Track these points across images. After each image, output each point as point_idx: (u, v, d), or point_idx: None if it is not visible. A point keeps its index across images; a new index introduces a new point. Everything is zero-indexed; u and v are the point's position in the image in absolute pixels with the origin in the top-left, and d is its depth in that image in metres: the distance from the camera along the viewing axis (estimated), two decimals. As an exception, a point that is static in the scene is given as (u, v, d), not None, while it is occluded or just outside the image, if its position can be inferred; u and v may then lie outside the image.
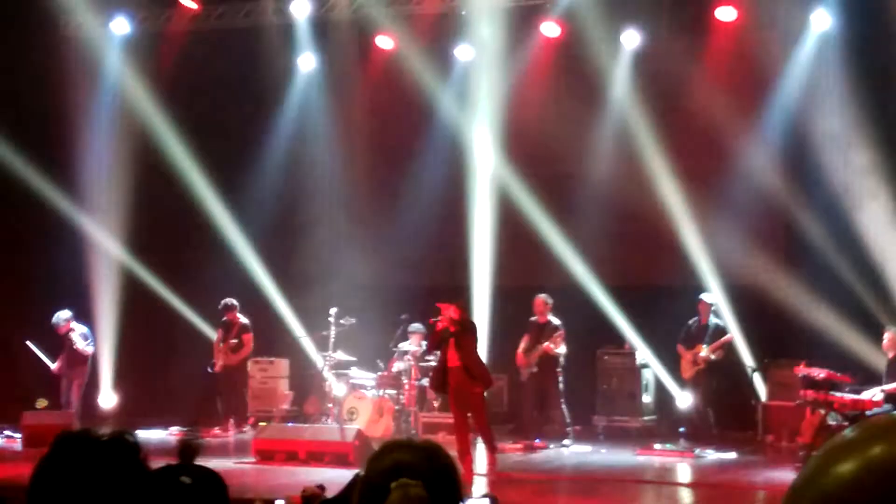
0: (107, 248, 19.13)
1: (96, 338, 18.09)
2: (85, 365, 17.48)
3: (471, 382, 13.76)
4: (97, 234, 19.10)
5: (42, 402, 17.12)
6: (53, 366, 17.34)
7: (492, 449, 13.93)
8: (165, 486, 2.84)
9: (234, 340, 18.12)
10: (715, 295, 16.94)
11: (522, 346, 16.92)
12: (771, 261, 17.22)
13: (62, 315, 17.29)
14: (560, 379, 16.80)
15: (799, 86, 17.33)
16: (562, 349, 16.70)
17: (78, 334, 17.36)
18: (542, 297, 16.90)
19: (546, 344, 16.54)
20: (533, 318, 16.96)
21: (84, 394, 17.50)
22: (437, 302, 14.40)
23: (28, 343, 17.31)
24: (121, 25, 19.51)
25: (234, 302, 18.10)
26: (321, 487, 6.22)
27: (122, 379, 18.83)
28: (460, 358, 13.79)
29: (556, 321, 16.75)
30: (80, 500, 2.47)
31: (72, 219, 18.76)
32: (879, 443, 1.34)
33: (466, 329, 14.01)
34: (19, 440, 16.08)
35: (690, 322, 16.68)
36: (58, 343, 17.37)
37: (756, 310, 17.02)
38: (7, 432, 16.80)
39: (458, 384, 13.78)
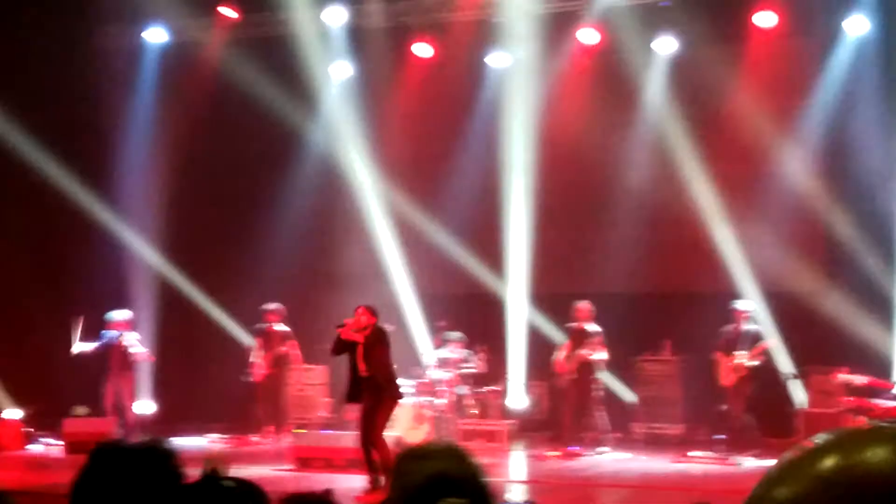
0: (144, 255, 19.22)
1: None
2: (134, 371, 17.34)
3: (378, 394, 13.29)
4: (135, 241, 19.18)
5: (82, 410, 17.13)
6: (82, 348, 17.07)
7: (380, 469, 13.00)
8: (207, 492, 2.83)
9: (284, 349, 18.13)
10: (753, 301, 16.83)
11: (562, 353, 16.86)
12: (810, 266, 17.12)
13: (122, 314, 17.20)
14: (599, 386, 16.75)
15: (836, 91, 17.25)
16: (601, 355, 16.64)
17: (135, 338, 17.24)
18: (583, 303, 16.84)
19: (585, 351, 16.49)
20: (573, 325, 16.90)
21: (121, 402, 17.38)
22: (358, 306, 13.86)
23: (77, 321, 17.13)
24: (158, 35, 19.63)
25: (275, 306, 18.08)
26: (328, 492, 6.15)
27: (161, 386, 18.88)
28: (367, 368, 13.30)
29: (595, 328, 16.70)
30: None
31: (110, 226, 18.85)
32: (832, 456, 1.32)
33: (376, 338, 13.44)
34: (61, 447, 16.16)
35: (727, 329, 16.55)
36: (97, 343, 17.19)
37: (796, 316, 16.91)
38: (48, 440, 16.89)
39: (367, 394, 13.35)
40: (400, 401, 13.93)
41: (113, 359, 16.96)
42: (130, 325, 17.22)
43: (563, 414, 17.13)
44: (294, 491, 3.37)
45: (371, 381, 13.24)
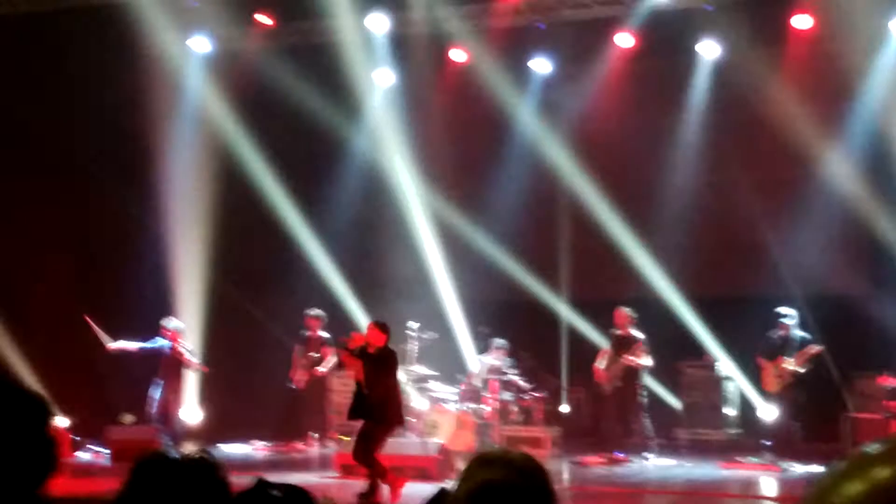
0: (189, 262, 19.29)
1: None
2: (184, 380, 17.10)
3: (376, 415, 12.95)
4: (180, 250, 19.26)
5: (128, 418, 17.19)
6: (112, 344, 16.77)
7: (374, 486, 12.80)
8: (257, 501, 2.84)
9: (316, 355, 18.17)
10: (797, 306, 16.72)
11: (601, 360, 16.79)
12: (855, 270, 17.01)
13: (176, 323, 17.04)
14: (642, 392, 16.69)
15: (881, 93, 17.13)
16: (644, 361, 16.57)
17: (188, 347, 17.05)
18: (624, 309, 16.79)
19: (629, 357, 16.44)
20: (614, 331, 16.85)
21: (169, 410, 17.30)
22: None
23: (87, 318, 16.98)
24: (201, 44, 19.73)
25: (317, 313, 18.10)
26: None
27: (206, 394, 18.94)
28: (369, 386, 12.97)
29: (637, 334, 16.64)
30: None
31: (155, 235, 18.95)
32: (888, 465, 1.34)
33: (382, 360, 13.04)
34: (106, 455, 16.24)
35: (772, 334, 16.43)
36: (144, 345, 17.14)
37: (841, 320, 16.80)
38: (94, 447, 16.97)
39: (367, 413, 13.03)
40: (399, 425, 13.61)
41: (164, 367, 16.76)
42: (183, 335, 17.16)
43: (607, 420, 17.06)
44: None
45: (370, 401, 12.93)
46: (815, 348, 16.21)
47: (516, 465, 2.68)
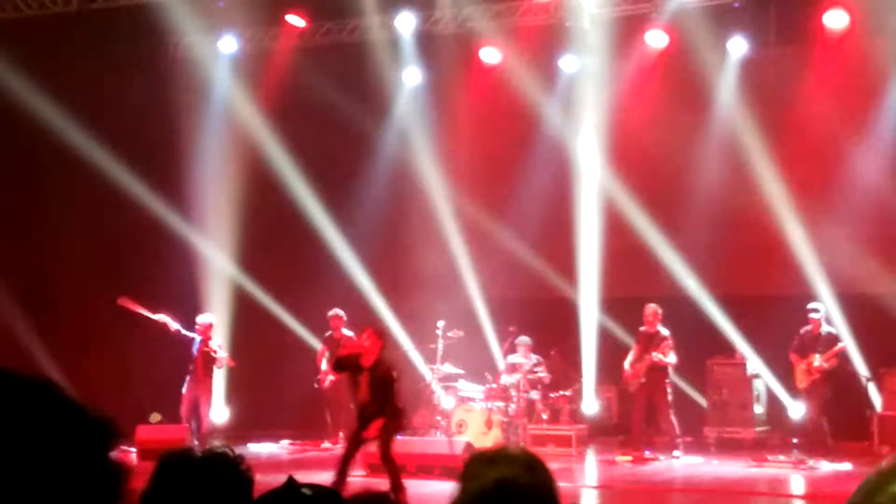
0: (216, 262, 19.34)
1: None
2: (213, 377, 17.15)
3: (381, 418, 12.49)
4: (207, 248, 19.31)
5: (156, 417, 17.24)
6: (158, 317, 16.68)
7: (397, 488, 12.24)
8: (286, 500, 2.84)
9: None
10: (826, 303, 16.66)
11: (631, 358, 16.75)
12: (885, 268, 16.92)
13: (206, 318, 17.10)
14: (669, 389, 16.65)
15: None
16: (671, 359, 16.53)
17: (217, 343, 17.06)
18: (651, 306, 16.76)
19: (655, 354, 16.40)
20: (642, 329, 16.81)
21: (199, 407, 17.34)
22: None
23: (122, 301, 16.96)
24: (228, 44, 19.76)
25: (338, 312, 18.05)
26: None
27: (233, 392, 18.98)
28: (370, 395, 12.55)
29: (664, 331, 16.59)
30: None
31: (182, 233, 19.00)
32: None
33: (381, 381, 12.53)
34: (133, 454, 16.28)
35: (803, 331, 16.38)
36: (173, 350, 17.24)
37: (870, 318, 16.72)
38: (123, 447, 16.97)
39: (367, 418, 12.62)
40: (402, 424, 13.20)
41: (194, 364, 16.81)
42: (214, 330, 17.20)
43: (634, 418, 17.02)
44: (358, 492, 3.38)
45: (370, 409, 12.56)
46: (840, 346, 16.15)
47: (522, 462, 2.68)
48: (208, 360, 16.88)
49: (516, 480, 2.61)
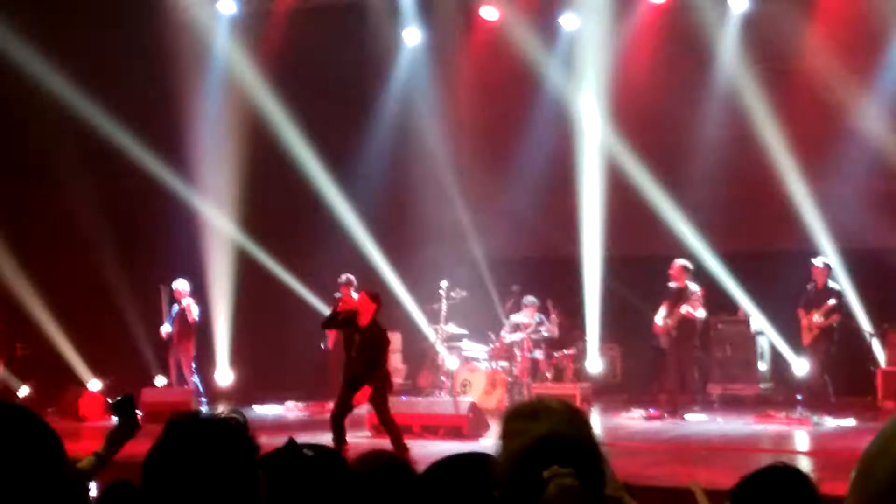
0: (220, 226, 19.31)
1: (212, 315, 18.40)
2: (192, 341, 17.47)
3: (371, 381, 12.62)
4: (210, 213, 19.28)
5: (162, 380, 17.41)
6: (166, 330, 17.41)
7: (400, 448, 12.27)
8: (288, 461, 2.84)
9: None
10: (829, 258, 16.58)
11: (662, 313, 16.57)
12: (888, 223, 16.88)
13: (180, 283, 17.44)
14: (696, 343, 16.57)
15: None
16: (700, 313, 16.32)
17: (193, 304, 17.44)
18: (680, 262, 16.53)
19: (685, 307, 16.19)
20: (671, 284, 16.61)
21: (201, 371, 17.57)
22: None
23: (161, 288, 17.53)
24: (227, 5, 19.67)
25: (348, 278, 18.01)
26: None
27: (238, 356, 19.02)
28: (356, 354, 12.75)
29: (694, 286, 16.38)
30: (193, 484, 2.49)
31: (185, 198, 18.96)
32: None
33: (372, 340, 12.66)
34: (140, 417, 16.32)
35: (809, 286, 16.27)
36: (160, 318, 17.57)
37: (874, 274, 16.72)
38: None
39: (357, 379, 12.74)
40: (390, 386, 13.29)
41: (175, 327, 17.38)
42: (186, 292, 17.47)
43: (666, 374, 16.61)
44: (365, 452, 3.37)
45: (358, 368, 12.68)
46: (831, 303, 15.95)
47: (562, 415, 2.59)
48: (184, 325, 17.30)
49: (559, 435, 2.53)
